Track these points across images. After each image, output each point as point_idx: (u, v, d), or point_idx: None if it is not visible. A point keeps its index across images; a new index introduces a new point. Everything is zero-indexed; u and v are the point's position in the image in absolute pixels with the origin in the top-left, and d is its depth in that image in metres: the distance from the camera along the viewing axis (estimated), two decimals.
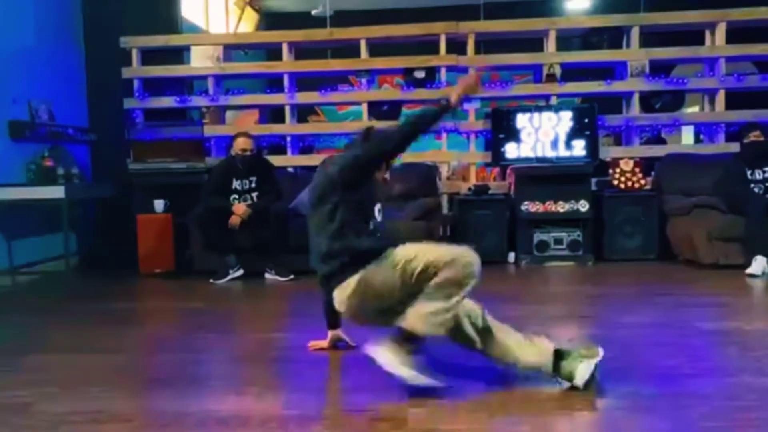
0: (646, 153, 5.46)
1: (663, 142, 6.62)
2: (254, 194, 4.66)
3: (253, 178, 4.66)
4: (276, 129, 5.90)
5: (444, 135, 5.63)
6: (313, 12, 8.57)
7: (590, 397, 2.12)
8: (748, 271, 4.20)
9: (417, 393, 2.09)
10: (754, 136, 4.57)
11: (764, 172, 4.56)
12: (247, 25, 9.86)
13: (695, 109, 6.30)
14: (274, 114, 6.59)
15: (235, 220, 4.51)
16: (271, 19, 10.06)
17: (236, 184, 4.64)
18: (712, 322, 3.05)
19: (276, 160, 5.53)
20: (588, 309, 3.50)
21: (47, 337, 3.19)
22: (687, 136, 7.35)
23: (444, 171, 5.78)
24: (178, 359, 2.76)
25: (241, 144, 4.62)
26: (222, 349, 2.90)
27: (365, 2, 8.72)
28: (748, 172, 4.58)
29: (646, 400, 2.08)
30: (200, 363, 2.68)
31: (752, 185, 4.55)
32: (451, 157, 5.70)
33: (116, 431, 1.93)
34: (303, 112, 8.07)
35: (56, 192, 4.65)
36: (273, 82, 6.55)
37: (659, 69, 5.51)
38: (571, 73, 5.66)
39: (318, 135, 6.18)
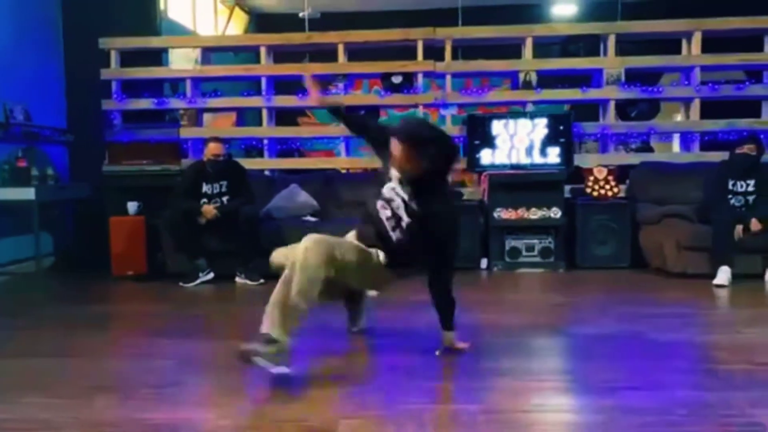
0: (622, 161, 5.47)
1: (651, 150, 6.63)
2: (224, 198, 4.67)
3: (224, 183, 4.67)
4: (253, 132, 5.92)
5: None
6: (300, 14, 8.61)
7: (521, 410, 2.13)
8: (715, 281, 4.21)
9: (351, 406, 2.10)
10: (748, 148, 4.54)
11: (747, 184, 4.55)
12: (236, 26, 9.88)
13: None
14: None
15: (200, 219, 4.53)
16: (261, 21, 10.10)
17: (206, 188, 4.65)
18: (665, 333, 3.05)
19: (253, 163, 5.56)
20: (547, 318, 3.51)
21: (6, 340, 3.20)
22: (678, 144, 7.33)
23: None
24: (129, 365, 2.77)
25: (212, 150, 4.64)
26: (175, 356, 2.89)
27: (352, 5, 8.77)
28: (731, 182, 4.58)
29: (576, 413, 2.10)
30: (150, 370, 2.67)
31: (731, 196, 4.55)
32: None
33: None
34: (293, 114, 8.12)
35: (26, 193, 4.66)
36: (259, 85, 6.53)
37: (639, 78, 5.50)
38: (550, 80, 5.67)
39: (299, 138, 6.19)
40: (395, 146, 2.57)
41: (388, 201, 2.65)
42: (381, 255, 2.65)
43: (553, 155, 5.26)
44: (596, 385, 2.35)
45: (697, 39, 5.32)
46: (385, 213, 2.65)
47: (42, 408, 2.18)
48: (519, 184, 5.07)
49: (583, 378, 2.47)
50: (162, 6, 6.98)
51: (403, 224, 2.60)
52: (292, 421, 2.06)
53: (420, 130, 2.62)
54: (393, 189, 2.64)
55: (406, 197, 2.60)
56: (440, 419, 2.05)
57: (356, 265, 2.54)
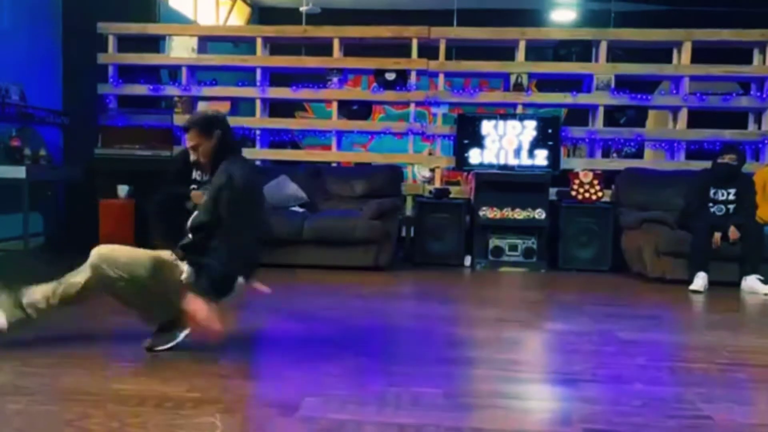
0: (608, 166, 5.55)
1: (641, 156, 6.68)
2: None
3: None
4: (245, 122, 5.98)
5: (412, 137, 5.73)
6: (301, 9, 8.67)
7: (481, 395, 2.21)
8: (691, 287, 4.29)
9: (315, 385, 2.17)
10: (729, 158, 4.63)
11: (728, 193, 4.63)
12: (238, 18, 9.94)
13: None
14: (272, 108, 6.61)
15: (189, 204, 4.57)
16: (262, 14, 10.15)
17: (196, 174, 4.69)
18: (632, 332, 3.12)
19: (244, 153, 5.61)
20: (519, 313, 3.58)
21: None
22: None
23: (420, 173, 5.93)
24: (106, 341, 2.84)
25: None
26: (148, 333, 2.95)
27: (351, 2, 8.83)
28: (712, 191, 4.66)
29: (531, 401, 2.18)
30: (127, 346, 2.73)
31: (711, 204, 4.64)
32: (422, 160, 5.83)
33: (15, 403, 2.00)
34: (288, 107, 8.18)
35: (17, 172, 4.71)
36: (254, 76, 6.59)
37: (629, 85, 5.58)
38: (542, 83, 5.75)
39: (292, 130, 6.24)
40: None
41: None
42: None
43: (541, 157, 5.34)
44: (557, 376, 2.43)
45: (686, 49, 5.40)
46: None
47: (17, 375, 2.25)
48: (505, 184, 5.15)
49: (545, 369, 2.55)
50: None
51: None
52: (256, 396, 2.13)
53: None
54: None
55: None
56: (401, 400, 2.11)
57: None
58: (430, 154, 6.12)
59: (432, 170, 5.73)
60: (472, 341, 2.92)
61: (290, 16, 8.65)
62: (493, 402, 2.15)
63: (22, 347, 2.61)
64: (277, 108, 6.21)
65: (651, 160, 6.18)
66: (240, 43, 7.22)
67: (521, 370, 2.54)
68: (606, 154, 5.86)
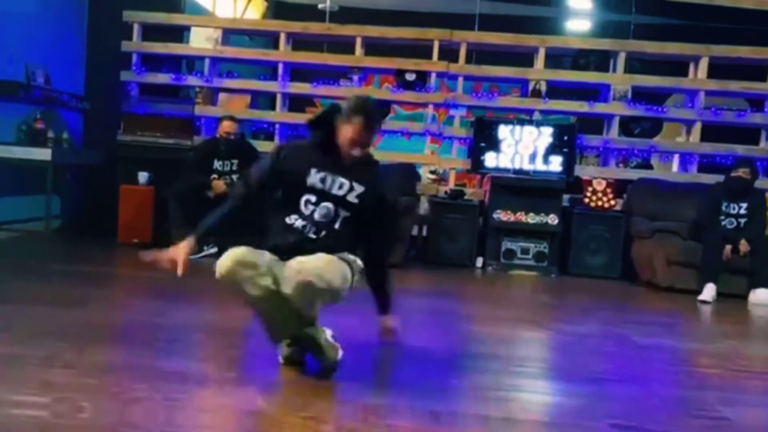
0: (622, 175, 5.63)
1: (651, 168, 6.76)
2: (234, 176, 4.79)
3: (235, 161, 4.79)
4: (266, 115, 6.05)
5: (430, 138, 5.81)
6: (320, 6, 8.74)
7: (504, 389, 2.28)
8: (700, 297, 4.36)
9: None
10: (743, 172, 4.71)
11: (740, 207, 4.71)
12: (254, 12, 10.00)
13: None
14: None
15: (210, 193, 4.63)
16: (278, 9, 10.21)
17: (217, 164, 4.78)
18: (648, 338, 3.20)
19: (261, 146, 5.68)
20: (537, 315, 3.66)
21: (11, 289, 3.29)
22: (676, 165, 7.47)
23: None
24: (138, 321, 2.91)
25: (225, 127, 4.77)
26: (180, 317, 3.02)
27: (371, 1, 8.89)
28: (724, 204, 4.74)
29: (557, 396, 2.25)
30: (158, 327, 2.81)
31: (723, 216, 4.72)
32: (437, 161, 5.92)
33: (61, 375, 2.07)
34: (302, 103, 8.25)
35: (43, 154, 4.78)
36: (273, 70, 6.65)
37: (645, 97, 5.64)
38: (559, 91, 5.82)
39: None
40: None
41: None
42: None
43: (556, 164, 5.40)
44: (577, 374, 2.50)
45: (704, 64, 5.48)
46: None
47: (60, 349, 2.31)
48: (520, 188, 5.22)
49: (565, 367, 2.62)
50: None
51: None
52: (293, 379, 2.19)
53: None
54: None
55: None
56: (430, 392, 2.18)
57: None
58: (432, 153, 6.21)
59: (433, 171, 5.81)
60: (492, 339, 2.99)
61: (306, 12, 8.71)
62: (520, 395, 2.23)
63: (54, 323, 2.68)
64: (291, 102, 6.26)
65: (657, 171, 6.27)
66: (254, 36, 7.29)
67: (544, 367, 2.62)
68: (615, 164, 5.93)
